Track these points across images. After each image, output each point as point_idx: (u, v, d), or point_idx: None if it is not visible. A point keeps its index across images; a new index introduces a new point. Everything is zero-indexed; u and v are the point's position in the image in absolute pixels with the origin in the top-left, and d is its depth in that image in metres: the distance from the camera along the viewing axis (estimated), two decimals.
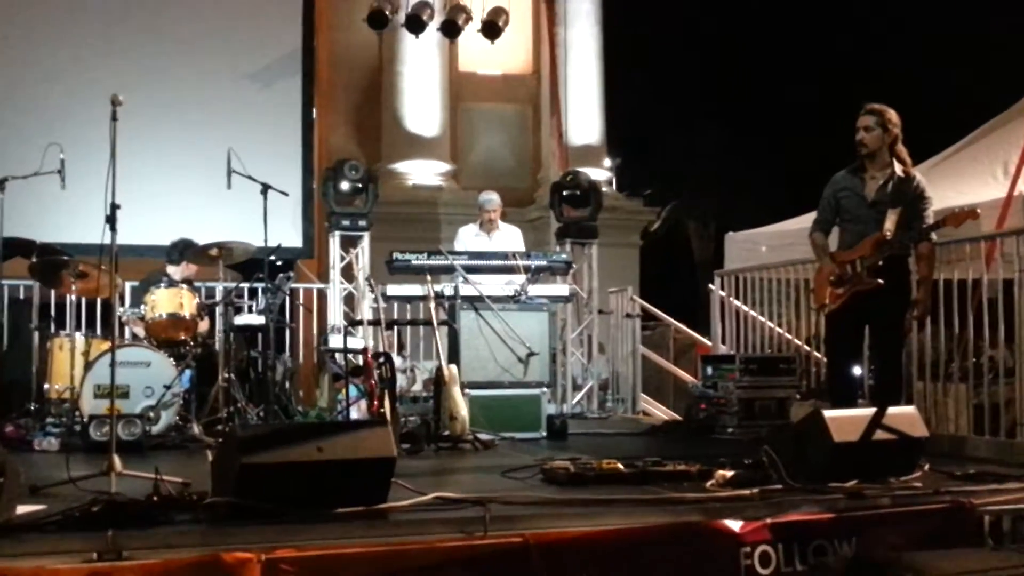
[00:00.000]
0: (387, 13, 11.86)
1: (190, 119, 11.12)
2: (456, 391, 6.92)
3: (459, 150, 14.33)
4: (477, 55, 14.02)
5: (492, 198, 8.97)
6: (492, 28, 12.08)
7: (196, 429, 6.88)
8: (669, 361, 11.74)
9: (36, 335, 7.41)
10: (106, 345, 7.08)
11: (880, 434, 4.73)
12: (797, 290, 9.09)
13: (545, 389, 7.74)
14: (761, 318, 9.28)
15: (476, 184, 13.34)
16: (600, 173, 13.76)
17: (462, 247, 8.77)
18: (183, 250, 8.17)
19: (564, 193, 10.15)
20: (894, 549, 4.03)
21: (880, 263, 5.86)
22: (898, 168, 6.00)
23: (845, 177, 6.12)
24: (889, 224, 5.86)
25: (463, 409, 6.86)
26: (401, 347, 9.33)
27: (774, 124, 21.73)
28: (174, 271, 8.17)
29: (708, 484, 4.66)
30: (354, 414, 7.54)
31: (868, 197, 6.01)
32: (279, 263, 9.97)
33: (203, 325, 7.80)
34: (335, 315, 9.63)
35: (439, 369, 7.06)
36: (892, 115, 5.98)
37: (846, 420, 4.74)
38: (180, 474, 4.57)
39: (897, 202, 5.92)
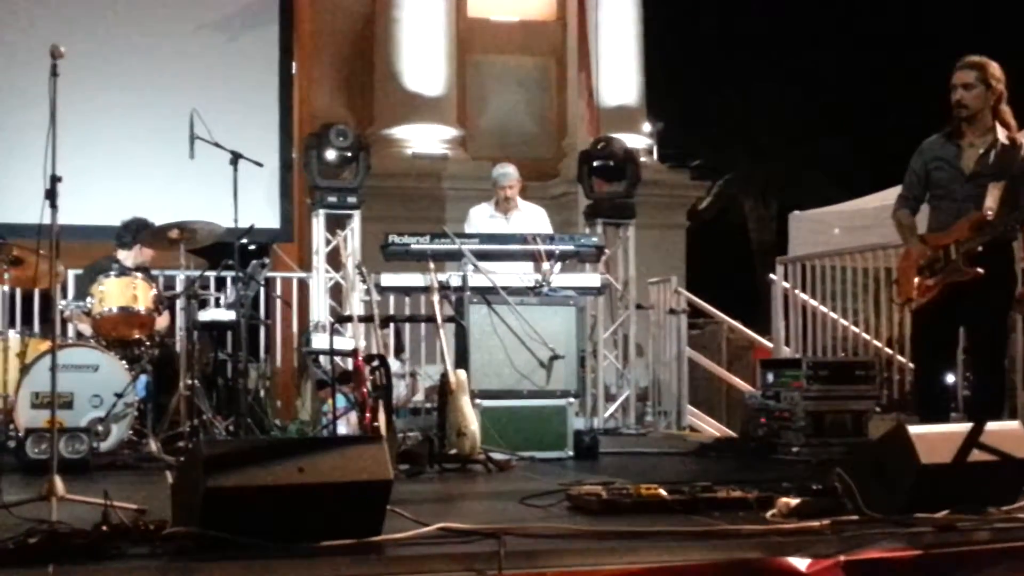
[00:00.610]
0: None
1: (145, 75, 11.16)
2: (465, 401, 6.92)
3: (468, 112, 14.33)
4: None
5: (508, 172, 8.96)
6: None
7: (153, 446, 6.90)
8: (721, 366, 11.72)
9: None
10: (45, 345, 7.08)
11: (977, 455, 4.70)
12: (877, 281, 9.06)
13: (572, 399, 7.73)
14: (833, 315, 9.26)
15: (488, 153, 13.33)
16: (638, 140, 13.74)
17: (474, 229, 8.76)
18: (137, 231, 8.19)
19: (595, 164, 10.14)
20: None
21: (979, 249, 5.80)
22: (1002, 134, 5.93)
23: (937, 144, 6.06)
24: (991, 202, 5.80)
25: (473, 423, 6.86)
26: (399, 349, 9.34)
27: (849, 80, 21.66)
28: (126, 256, 8.20)
29: (769, 514, 4.64)
30: (342, 429, 7.54)
31: (966, 169, 5.95)
32: (252, 247, 9.96)
33: (161, 321, 7.81)
34: (319, 310, 9.65)
35: (444, 375, 7.05)
36: (995, 69, 5.90)
37: (936, 438, 4.70)
38: (134, 499, 4.58)
39: (1000, 175, 5.86)
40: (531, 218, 8.95)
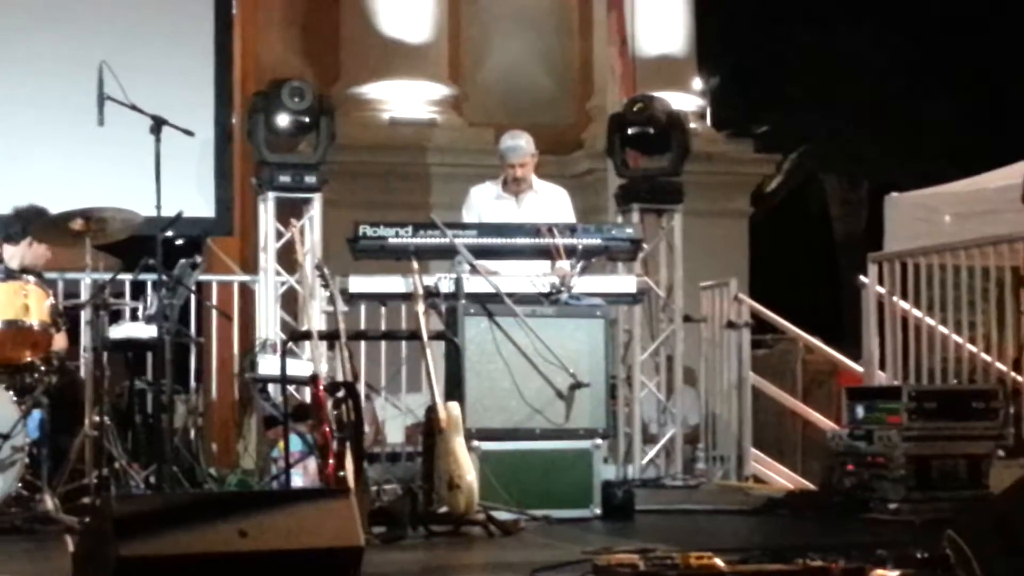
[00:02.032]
0: None
1: (39, 18, 11.15)
2: (458, 444, 6.92)
3: (463, 65, 14.32)
4: None
5: (519, 144, 8.94)
6: None
7: (49, 503, 6.89)
8: (796, 397, 11.69)
9: None
10: None
11: None
12: (1001, 285, 9.04)
13: (600, 441, 7.72)
14: (943, 328, 9.22)
15: (489, 118, 13.30)
16: (687, 100, 13.71)
17: (474, 216, 8.76)
18: (28, 222, 8.20)
19: (630, 132, 10.13)
20: None
21: None
22: None
23: None
24: None
25: (469, 472, 6.86)
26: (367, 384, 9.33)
27: (963, 24, 21.61)
28: (12, 255, 8.20)
29: None
30: (297, 480, 7.53)
31: None
32: (180, 243, 9.96)
33: (60, 340, 7.80)
34: (267, 324, 9.65)
35: (431, 409, 7.05)
36: None
37: None
38: (24, 573, 4.58)
39: None
40: (550, 203, 8.93)
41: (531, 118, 12.53)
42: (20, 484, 7.05)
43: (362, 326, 9.01)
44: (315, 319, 8.72)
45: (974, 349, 9.26)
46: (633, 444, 9.75)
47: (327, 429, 6.61)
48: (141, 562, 3.89)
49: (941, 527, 4.85)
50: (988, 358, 9.14)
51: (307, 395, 7.51)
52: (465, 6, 14.32)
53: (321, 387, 6.72)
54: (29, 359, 7.44)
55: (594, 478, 7.60)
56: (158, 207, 7.45)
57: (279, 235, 9.70)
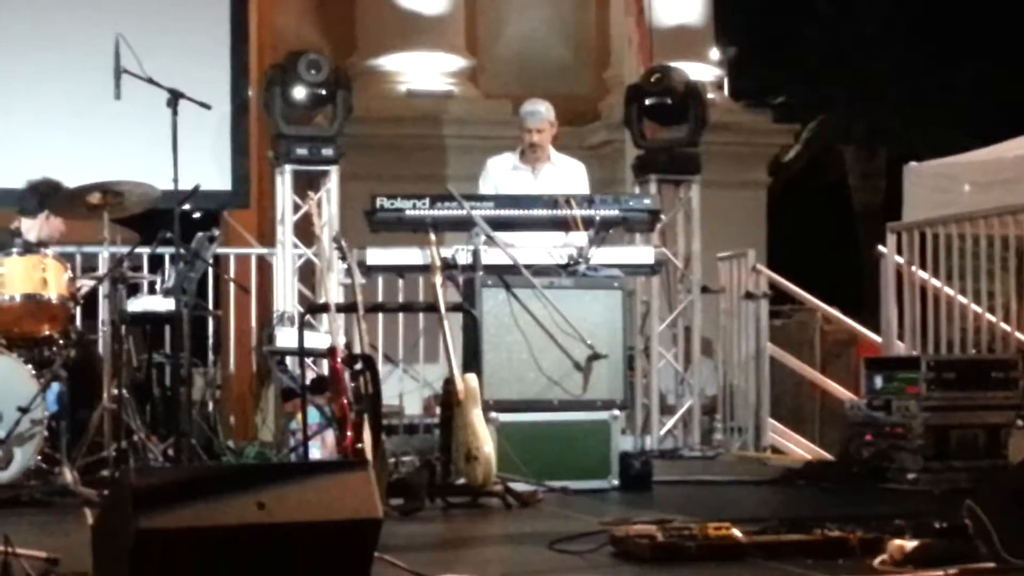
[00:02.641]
0: None
1: None
2: (476, 416, 6.92)
3: (479, 36, 14.30)
4: None
5: (539, 110, 8.91)
6: None
7: (68, 476, 6.91)
8: (815, 367, 11.68)
9: None
10: None
11: None
12: (1020, 254, 9.01)
13: (617, 412, 7.73)
14: (962, 298, 9.20)
15: (505, 90, 13.28)
16: (704, 70, 13.67)
17: (491, 187, 8.75)
18: (45, 195, 8.20)
19: (647, 102, 10.11)
20: None
21: None
22: None
23: None
24: None
25: (487, 444, 6.86)
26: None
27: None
28: (30, 227, 8.21)
29: (877, 561, 4.64)
30: (315, 452, 7.54)
31: None
32: (197, 216, 9.97)
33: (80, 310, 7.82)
34: (285, 297, 9.66)
35: (449, 381, 7.06)
36: None
37: None
38: (42, 545, 4.59)
39: None
40: (567, 176, 8.89)
41: (548, 89, 12.47)
42: (39, 457, 7.08)
43: (380, 298, 9.01)
44: (332, 291, 8.76)
45: (993, 319, 9.24)
46: (651, 415, 9.76)
47: (345, 401, 6.62)
48: (160, 534, 3.90)
49: (959, 497, 4.85)
50: (1007, 328, 9.12)
51: (325, 367, 7.52)
52: None
53: (339, 359, 6.74)
54: (48, 332, 7.46)
55: (612, 449, 7.62)
56: (175, 180, 7.45)
57: (296, 208, 9.70)
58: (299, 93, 9.66)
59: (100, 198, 7.56)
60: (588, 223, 8.01)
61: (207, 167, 10.06)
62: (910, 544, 4.67)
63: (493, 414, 7.24)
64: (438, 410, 7.48)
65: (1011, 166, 9.52)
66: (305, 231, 9.60)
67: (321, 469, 4.66)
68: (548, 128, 8.89)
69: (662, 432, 9.77)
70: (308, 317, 8.19)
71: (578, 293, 7.73)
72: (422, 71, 13.75)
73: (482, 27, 14.34)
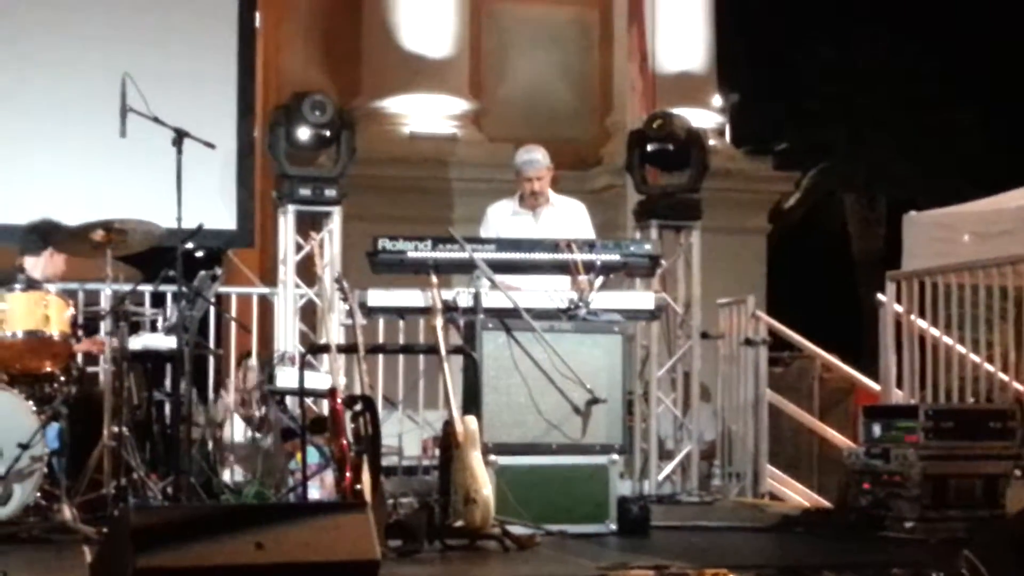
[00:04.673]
0: None
1: (63, 29, 11.19)
2: (475, 458, 6.91)
3: (484, 80, 14.35)
4: None
5: (535, 158, 8.95)
6: None
7: (67, 513, 6.89)
8: (813, 415, 11.67)
9: None
10: None
11: None
12: (1018, 304, 9.01)
13: (616, 457, 7.71)
14: (961, 348, 9.20)
15: (509, 133, 13.32)
16: (706, 117, 13.74)
17: (492, 235, 8.75)
18: (47, 233, 8.21)
19: (649, 148, 10.13)
20: None
21: None
22: None
23: None
24: None
25: (486, 487, 6.85)
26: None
27: (984, 35, 21.52)
28: (34, 265, 8.20)
29: None
30: (314, 493, 7.52)
31: None
32: (200, 254, 9.98)
33: (82, 349, 7.81)
34: (286, 337, 9.66)
35: (448, 424, 7.05)
36: None
37: None
38: None
39: None
40: (567, 217, 8.93)
41: (551, 133, 12.56)
42: (39, 494, 7.06)
43: (380, 339, 9.02)
44: (333, 332, 8.77)
45: (991, 368, 9.24)
46: (649, 460, 9.74)
47: (344, 442, 6.61)
48: (158, 573, 3.90)
49: (957, 546, 4.84)
50: (1005, 377, 9.11)
51: (325, 408, 7.51)
52: (486, 21, 14.36)
53: (339, 400, 6.73)
54: (49, 369, 7.46)
55: (610, 494, 7.59)
56: (179, 219, 7.47)
57: (299, 248, 9.72)
58: (303, 134, 9.67)
59: (104, 235, 7.56)
60: (589, 267, 8.01)
61: (211, 206, 10.10)
62: None
63: (492, 457, 7.22)
64: (437, 452, 7.46)
65: (1011, 217, 9.53)
66: (307, 271, 9.63)
67: (320, 510, 4.67)
68: (546, 174, 8.93)
69: (660, 477, 9.75)
70: (309, 357, 8.18)
71: (578, 337, 7.73)
72: (426, 113, 13.80)
73: (486, 71, 14.40)
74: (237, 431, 9.12)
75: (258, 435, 8.72)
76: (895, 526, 7.69)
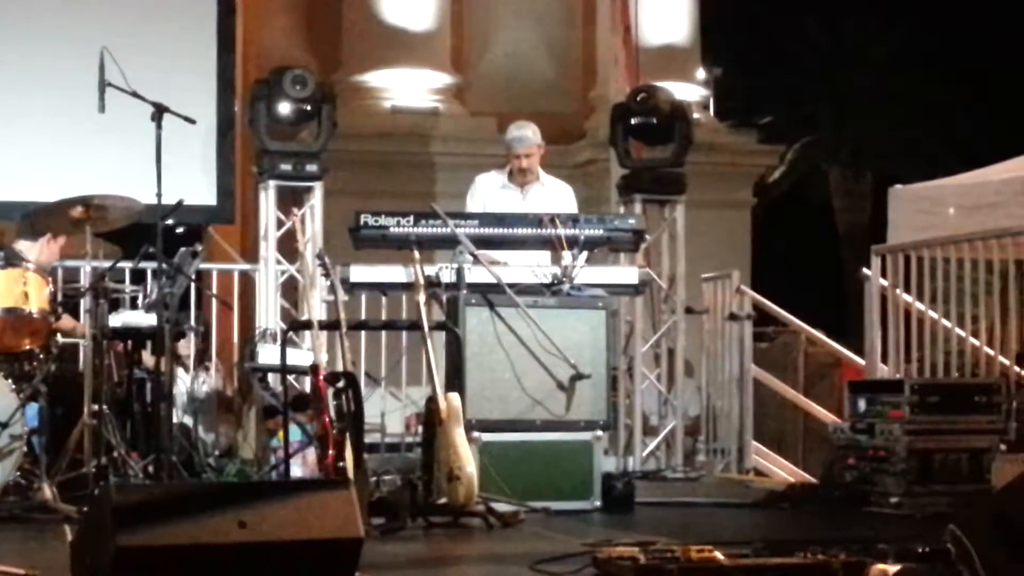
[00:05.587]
0: None
1: (40, 3, 11.13)
2: (458, 435, 6.92)
3: (465, 53, 14.31)
4: None
5: (526, 135, 8.92)
6: None
7: (47, 492, 6.89)
8: (798, 390, 11.69)
9: None
10: None
11: None
12: (1004, 278, 9.03)
13: (600, 433, 7.73)
14: (946, 322, 9.22)
15: (491, 107, 13.30)
16: (690, 91, 13.71)
17: (479, 204, 8.75)
18: (36, 220, 8.14)
19: (633, 122, 10.11)
20: None
21: None
22: None
23: None
24: None
25: (469, 464, 6.86)
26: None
27: (973, 13, 21.56)
28: (30, 249, 8.13)
29: None
30: (296, 470, 7.53)
31: None
32: (180, 231, 9.96)
33: (63, 326, 7.81)
34: (268, 313, 9.65)
35: (431, 400, 7.05)
36: None
37: None
38: (21, 561, 4.58)
39: None
40: (555, 198, 8.90)
41: (533, 107, 12.54)
42: (18, 473, 7.07)
43: (363, 316, 9.01)
44: (315, 308, 8.73)
45: (977, 343, 9.26)
46: (634, 436, 9.75)
47: (327, 419, 6.61)
48: (139, 552, 3.89)
49: (942, 521, 4.84)
50: (991, 352, 9.13)
51: (307, 385, 7.51)
52: None
53: (321, 377, 6.73)
54: (28, 347, 7.45)
55: (594, 470, 7.61)
56: (159, 195, 7.46)
57: (280, 224, 9.70)
58: (284, 108, 9.64)
59: (83, 212, 7.54)
60: (572, 242, 8.01)
61: (191, 182, 10.05)
62: (892, 568, 4.68)
63: (475, 433, 7.24)
64: (420, 429, 7.46)
65: (996, 190, 9.54)
66: (289, 247, 9.60)
67: (302, 487, 4.67)
68: (536, 151, 8.91)
69: (645, 453, 9.76)
70: (291, 334, 8.17)
71: (562, 313, 7.73)
72: (408, 87, 13.75)
73: (468, 44, 14.36)
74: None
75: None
76: (880, 501, 7.73)
